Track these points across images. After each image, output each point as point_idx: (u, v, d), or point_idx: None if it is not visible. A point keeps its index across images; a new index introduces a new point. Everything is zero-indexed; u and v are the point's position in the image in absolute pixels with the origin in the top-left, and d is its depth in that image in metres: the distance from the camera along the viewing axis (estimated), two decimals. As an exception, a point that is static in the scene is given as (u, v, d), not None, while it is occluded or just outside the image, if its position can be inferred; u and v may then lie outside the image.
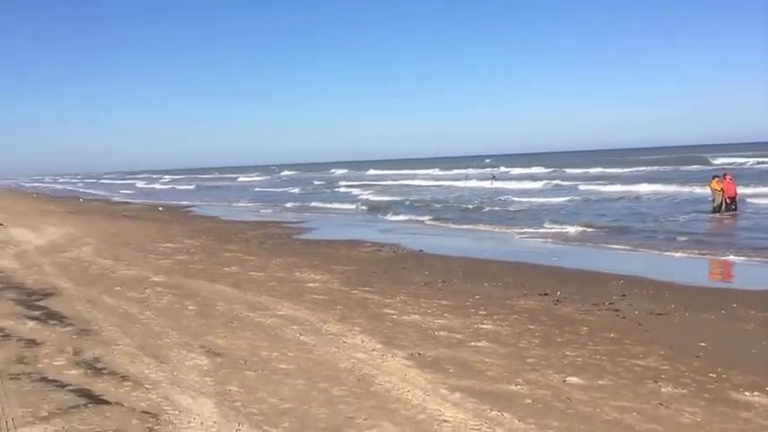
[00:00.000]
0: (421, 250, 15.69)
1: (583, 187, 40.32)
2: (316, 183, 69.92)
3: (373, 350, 7.09)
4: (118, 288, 10.80)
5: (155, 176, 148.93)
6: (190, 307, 9.32)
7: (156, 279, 11.68)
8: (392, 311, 9.00)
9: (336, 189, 53.64)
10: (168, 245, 17.12)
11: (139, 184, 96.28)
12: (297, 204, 36.82)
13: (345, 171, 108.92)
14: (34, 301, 9.80)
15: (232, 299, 9.87)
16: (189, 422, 5.16)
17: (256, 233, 20.51)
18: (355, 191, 49.01)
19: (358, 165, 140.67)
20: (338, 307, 9.27)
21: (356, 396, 5.73)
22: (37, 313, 8.98)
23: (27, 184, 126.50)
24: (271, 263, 13.63)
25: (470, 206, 29.92)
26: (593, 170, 62.05)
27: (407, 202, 33.71)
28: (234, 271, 12.61)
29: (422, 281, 11.44)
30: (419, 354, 6.96)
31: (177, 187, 78.13)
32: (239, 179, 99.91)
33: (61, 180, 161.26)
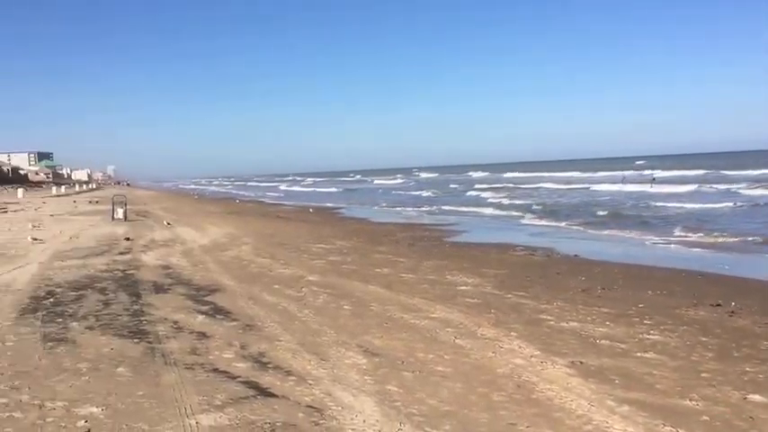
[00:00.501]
0: (576, 255, 15.18)
1: (747, 192, 37.55)
2: (451, 186, 69.70)
3: (532, 356, 6.89)
4: (276, 286, 11.22)
5: (298, 179, 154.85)
6: (345, 307, 9.50)
7: (311, 278, 12.03)
8: (549, 317, 8.74)
9: (471, 192, 53.00)
10: (321, 245, 17.64)
11: (283, 187, 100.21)
12: (436, 207, 36.80)
13: (485, 174, 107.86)
14: (202, 297, 10.37)
15: (385, 300, 9.97)
16: (352, 419, 5.23)
17: (405, 235, 20.72)
18: (490, 194, 48.03)
19: (497, 167, 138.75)
20: (492, 311, 9.12)
21: (517, 403, 5.58)
22: (205, 308, 9.49)
23: (186, 187, 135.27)
24: (421, 265, 13.68)
25: (625, 210, 28.66)
26: (754, 172, 57.78)
27: (555, 206, 32.82)
28: (385, 272, 12.76)
29: (579, 287, 11.05)
30: (581, 362, 6.69)
31: (319, 190, 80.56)
32: (375, 182, 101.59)
33: (215, 183, 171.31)
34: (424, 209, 36.31)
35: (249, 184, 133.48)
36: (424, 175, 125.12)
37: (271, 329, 8.15)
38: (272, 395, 5.79)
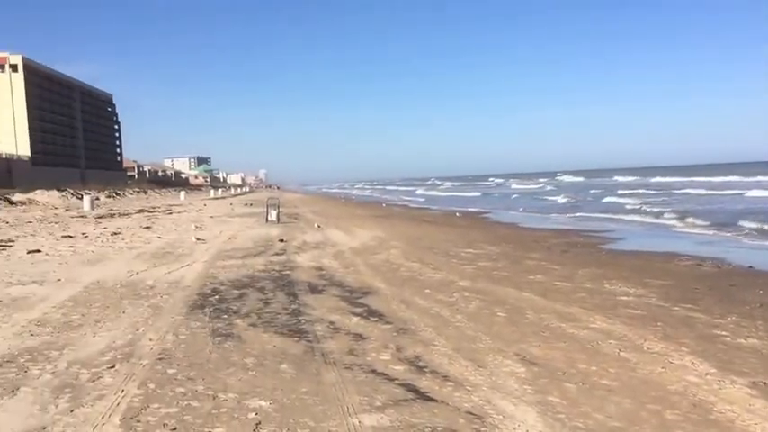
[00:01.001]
0: (750, 267, 14.09)
1: None
2: (592, 191, 66.90)
3: (707, 374, 6.42)
4: (427, 290, 11.21)
5: (437, 183, 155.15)
6: (499, 313, 9.33)
7: (462, 283, 11.94)
8: (724, 333, 8.11)
9: (609, 198, 50.44)
10: (470, 250, 17.49)
11: (420, 191, 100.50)
12: (581, 214, 35.40)
13: (632, 178, 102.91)
14: (355, 299, 10.55)
15: (541, 308, 9.69)
16: (514, 428, 5.10)
17: (557, 242, 20.11)
18: (630, 200, 45.31)
19: (646, 171, 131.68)
20: (658, 324, 8.60)
21: (693, 423, 5.21)
22: (359, 310, 9.63)
23: (330, 191, 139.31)
24: (577, 273, 13.20)
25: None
26: None
27: (709, 213, 30.72)
28: (539, 279, 12.42)
29: (757, 301, 10.19)
30: (764, 383, 6.15)
31: (459, 194, 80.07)
32: (513, 186, 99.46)
33: (357, 186, 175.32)
34: (577, 215, 35.00)
35: (388, 188, 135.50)
36: (567, 178, 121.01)
37: (425, 333, 8.13)
38: (431, 399, 5.76)
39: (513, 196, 64.86)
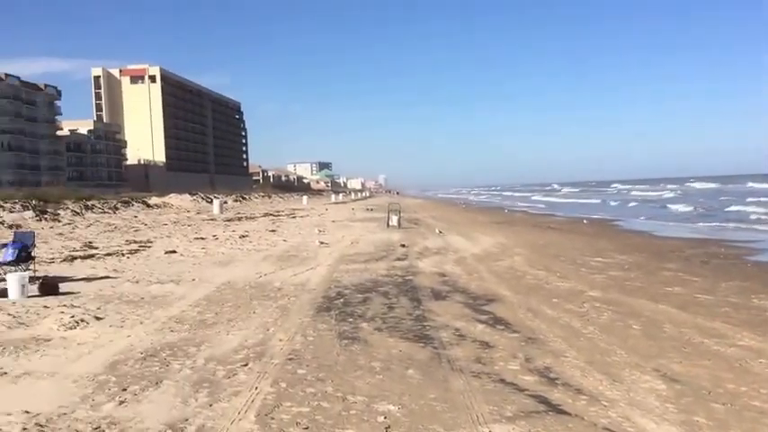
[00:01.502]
0: None
1: None
2: (722, 198, 62.56)
3: None
4: (555, 300, 10.88)
5: (557, 188, 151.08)
6: (634, 326, 8.89)
7: (592, 294, 11.50)
8: None
9: (734, 207, 46.53)
10: (599, 259, 16.86)
11: (536, 197, 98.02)
12: (729, 223, 33.18)
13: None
14: (479, 306, 10.39)
15: (680, 322, 9.15)
16: (658, 449, 4.80)
17: (695, 252, 18.98)
18: (760, 209, 41.60)
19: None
20: (818, 344, 7.92)
21: None
22: (484, 317, 9.47)
23: (448, 196, 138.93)
24: (719, 286, 12.39)
25: None
26: None
27: None
28: (677, 291, 11.76)
29: None
30: None
31: (579, 201, 77.48)
32: (633, 192, 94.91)
33: (473, 192, 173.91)
34: (713, 224, 32.76)
35: (504, 193, 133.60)
36: (698, 185, 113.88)
37: (555, 344, 7.87)
38: (564, 412, 5.54)
39: (631, 204, 61.59)
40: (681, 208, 49.63)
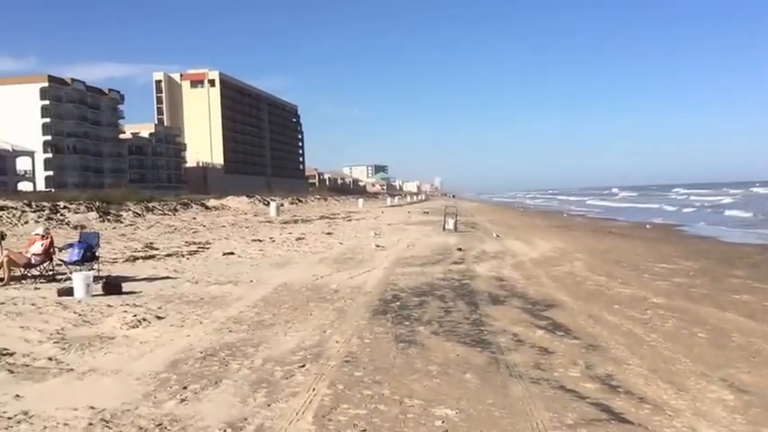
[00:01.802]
0: None
1: None
2: None
3: None
4: (616, 306, 10.63)
5: (615, 192, 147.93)
6: (699, 335, 8.61)
7: (655, 300, 11.19)
8: None
9: None
10: (663, 265, 16.39)
11: (592, 201, 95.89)
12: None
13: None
14: (538, 311, 10.22)
15: (749, 331, 8.82)
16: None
17: (765, 258, 18.34)
18: None
19: None
20: None
21: None
22: (543, 323, 9.31)
23: (504, 200, 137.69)
24: (791, 294, 11.94)
25: None
26: None
27: None
28: (745, 299, 11.34)
29: None
30: None
31: (636, 205, 75.61)
32: (692, 198, 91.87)
33: (528, 196, 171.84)
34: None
35: (560, 197, 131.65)
36: (763, 190, 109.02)
37: (616, 352, 7.68)
38: (627, 421, 5.40)
39: (686, 210, 59.26)
40: (740, 213, 47.83)
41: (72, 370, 6.80)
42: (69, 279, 11.97)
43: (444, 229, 30.10)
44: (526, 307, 10.61)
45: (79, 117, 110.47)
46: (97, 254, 14.01)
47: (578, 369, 6.93)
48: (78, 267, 12.98)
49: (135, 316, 9.25)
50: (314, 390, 6.10)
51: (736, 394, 6.12)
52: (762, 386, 6.37)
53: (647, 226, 35.44)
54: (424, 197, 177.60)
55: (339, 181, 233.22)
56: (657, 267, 15.98)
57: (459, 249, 20.40)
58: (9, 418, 5.33)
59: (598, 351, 7.71)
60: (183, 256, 18.62)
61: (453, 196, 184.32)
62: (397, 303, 10.84)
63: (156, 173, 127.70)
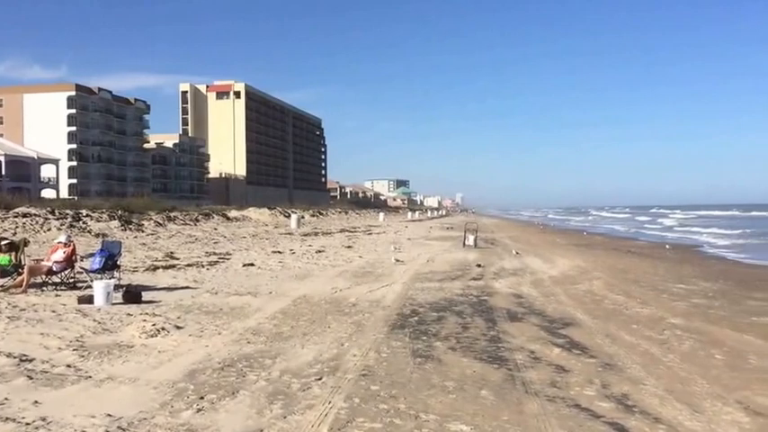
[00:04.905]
0: None
1: None
2: None
3: None
4: (634, 326, 10.60)
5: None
6: (716, 356, 8.58)
7: (673, 321, 11.14)
8: None
9: None
10: (681, 286, 16.31)
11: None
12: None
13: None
14: (556, 329, 10.21)
15: (766, 353, 8.77)
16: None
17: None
18: None
19: None
20: None
21: None
22: (560, 341, 9.30)
23: (523, 217, 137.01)
24: (810, 317, 11.83)
25: None
26: None
27: None
28: (764, 322, 11.24)
29: None
30: None
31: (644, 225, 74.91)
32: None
33: (549, 213, 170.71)
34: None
35: (577, 218, 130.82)
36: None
37: (633, 371, 7.67)
38: (642, 442, 5.40)
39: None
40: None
41: (90, 377, 6.91)
42: (90, 287, 12.15)
43: (464, 245, 30.11)
44: (544, 324, 10.61)
45: (105, 126, 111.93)
46: (118, 262, 14.20)
47: (594, 388, 6.93)
48: (99, 276, 13.15)
49: (154, 325, 9.37)
50: (330, 403, 6.16)
51: (753, 417, 6.10)
52: (778, 410, 6.34)
53: (667, 246, 35.19)
54: (444, 212, 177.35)
55: (360, 194, 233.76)
56: (676, 288, 15.89)
57: (479, 266, 20.39)
58: (27, 424, 5.43)
59: (614, 370, 7.71)
60: (203, 266, 18.79)
61: (474, 212, 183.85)
62: (416, 318, 10.88)
63: (179, 183, 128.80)
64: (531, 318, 11.24)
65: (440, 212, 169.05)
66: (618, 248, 32.85)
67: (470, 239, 30.29)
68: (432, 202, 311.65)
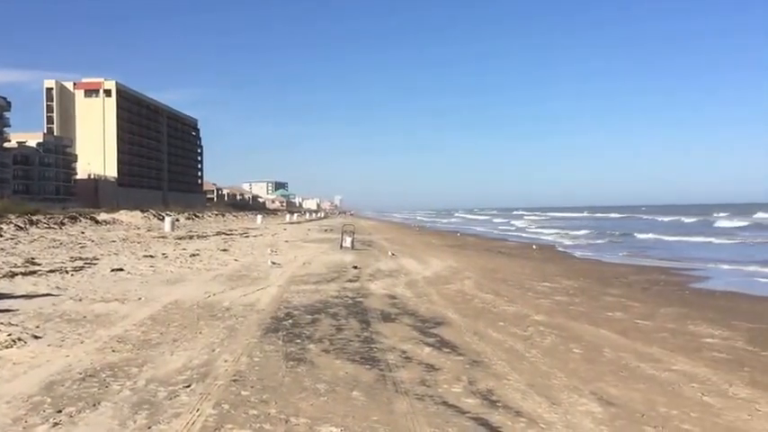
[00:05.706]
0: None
1: None
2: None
3: (798, 424, 6.07)
4: (501, 323, 11.05)
5: (526, 214, 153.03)
6: (575, 350, 9.09)
7: (537, 318, 11.71)
8: (818, 382, 7.67)
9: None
10: (546, 284, 17.17)
11: (496, 220, 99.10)
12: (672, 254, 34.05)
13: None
14: (427, 329, 10.47)
15: (619, 346, 9.39)
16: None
17: (638, 278, 19.51)
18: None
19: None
20: (745, 369, 8.20)
21: (783, 476, 4.92)
22: (431, 340, 9.55)
23: (401, 219, 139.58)
24: (658, 312, 12.77)
25: None
26: None
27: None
28: (618, 317, 12.07)
29: None
30: None
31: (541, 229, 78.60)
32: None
33: (425, 215, 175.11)
34: (653, 251, 33.58)
35: (453, 220, 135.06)
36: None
37: (498, 367, 7.99)
38: (503, 435, 5.64)
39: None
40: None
41: (-62, 393, 6.44)
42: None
43: (342, 247, 30.24)
44: (416, 324, 10.84)
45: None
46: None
47: (461, 385, 7.16)
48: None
49: (9, 335, 8.84)
50: (198, 410, 6.03)
51: (605, 407, 6.50)
52: (627, 398, 6.79)
53: (534, 246, 36.93)
54: (323, 215, 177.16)
55: (238, 197, 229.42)
56: (541, 286, 16.71)
57: (355, 267, 20.57)
58: None
59: (481, 367, 8.00)
60: (67, 272, 17.86)
61: (352, 214, 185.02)
62: (290, 321, 10.84)
63: (44, 184, 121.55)
64: (405, 318, 11.46)
65: (319, 215, 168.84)
66: (489, 249, 34.15)
67: (348, 241, 30.46)
68: (311, 204, 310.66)
